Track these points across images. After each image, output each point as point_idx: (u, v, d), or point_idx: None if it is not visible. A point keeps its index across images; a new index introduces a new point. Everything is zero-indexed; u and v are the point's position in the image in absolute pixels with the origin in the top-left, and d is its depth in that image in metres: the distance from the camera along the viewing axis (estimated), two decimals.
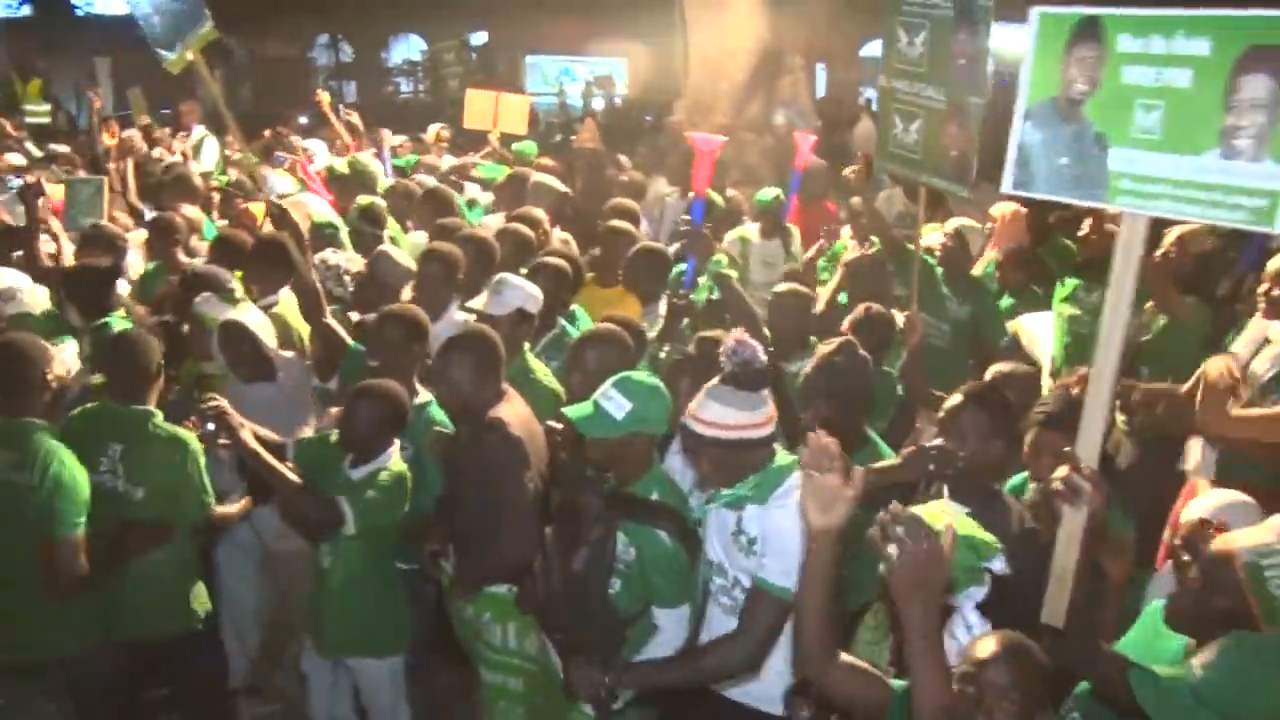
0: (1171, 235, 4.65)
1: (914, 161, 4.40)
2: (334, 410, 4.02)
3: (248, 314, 4.36)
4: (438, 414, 3.89)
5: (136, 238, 6.48)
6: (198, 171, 8.17)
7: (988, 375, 3.85)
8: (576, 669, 2.90)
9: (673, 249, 5.54)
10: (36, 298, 5.03)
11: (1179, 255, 4.63)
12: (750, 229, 7.00)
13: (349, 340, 4.34)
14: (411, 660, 3.98)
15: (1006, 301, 5.75)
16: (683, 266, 5.06)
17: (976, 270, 5.96)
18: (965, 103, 4.01)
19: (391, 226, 6.33)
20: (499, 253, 5.00)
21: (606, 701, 2.92)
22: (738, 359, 2.89)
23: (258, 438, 3.65)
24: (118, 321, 4.46)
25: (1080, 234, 5.45)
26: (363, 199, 6.41)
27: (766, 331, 4.60)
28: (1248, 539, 2.49)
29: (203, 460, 3.72)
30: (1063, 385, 3.37)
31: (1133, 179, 2.35)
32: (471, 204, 7.76)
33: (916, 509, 2.62)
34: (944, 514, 2.56)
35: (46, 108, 12.01)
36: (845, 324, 4.62)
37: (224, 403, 3.52)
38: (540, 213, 6.05)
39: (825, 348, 3.77)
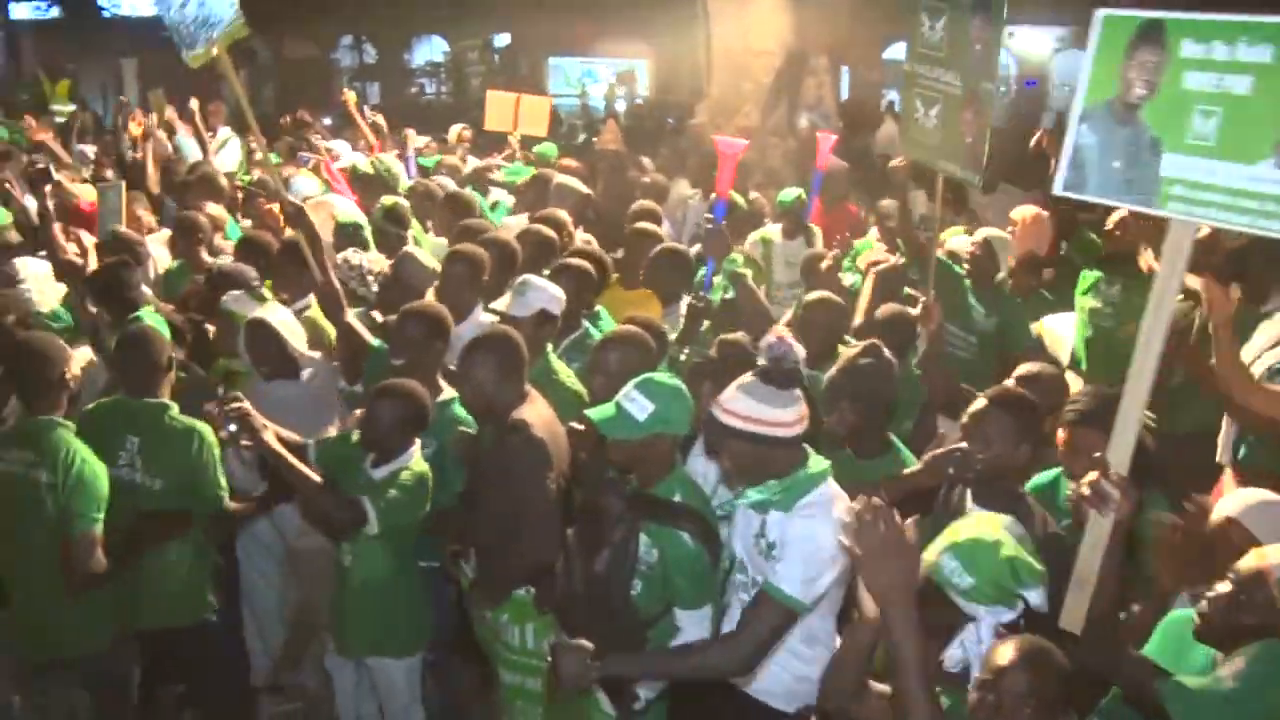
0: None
1: (932, 148, 4.40)
2: (358, 413, 4.03)
3: (273, 313, 4.39)
4: (461, 411, 3.89)
5: (159, 237, 6.54)
6: (221, 171, 8.25)
7: (1013, 377, 3.82)
8: (563, 653, 2.87)
9: (694, 250, 5.55)
10: (45, 296, 5.09)
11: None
12: (772, 229, 6.99)
13: (371, 340, 4.33)
14: (431, 658, 3.99)
15: None
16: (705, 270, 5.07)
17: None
18: (979, 88, 4.01)
19: (414, 227, 6.36)
20: (520, 255, 5.00)
21: (585, 684, 2.90)
22: (773, 354, 2.88)
23: (279, 438, 3.67)
24: (149, 316, 4.49)
25: (1106, 228, 5.41)
26: (386, 199, 6.43)
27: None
28: None
29: (218, 452, 3.77)
30: (1096, 386, 3.34)
31: (1185, 185, 2.32)
32: (495, 205, 7.78)
33: (971, 521, 2.62)
34: (999, 528, 2.55)
35: (72, 108, 12.11)
36: (858, 320, 4.61)
37: (246, 404, 3.53)
38: (564, 214, 6.05)
39: (850, 350, 3.76)
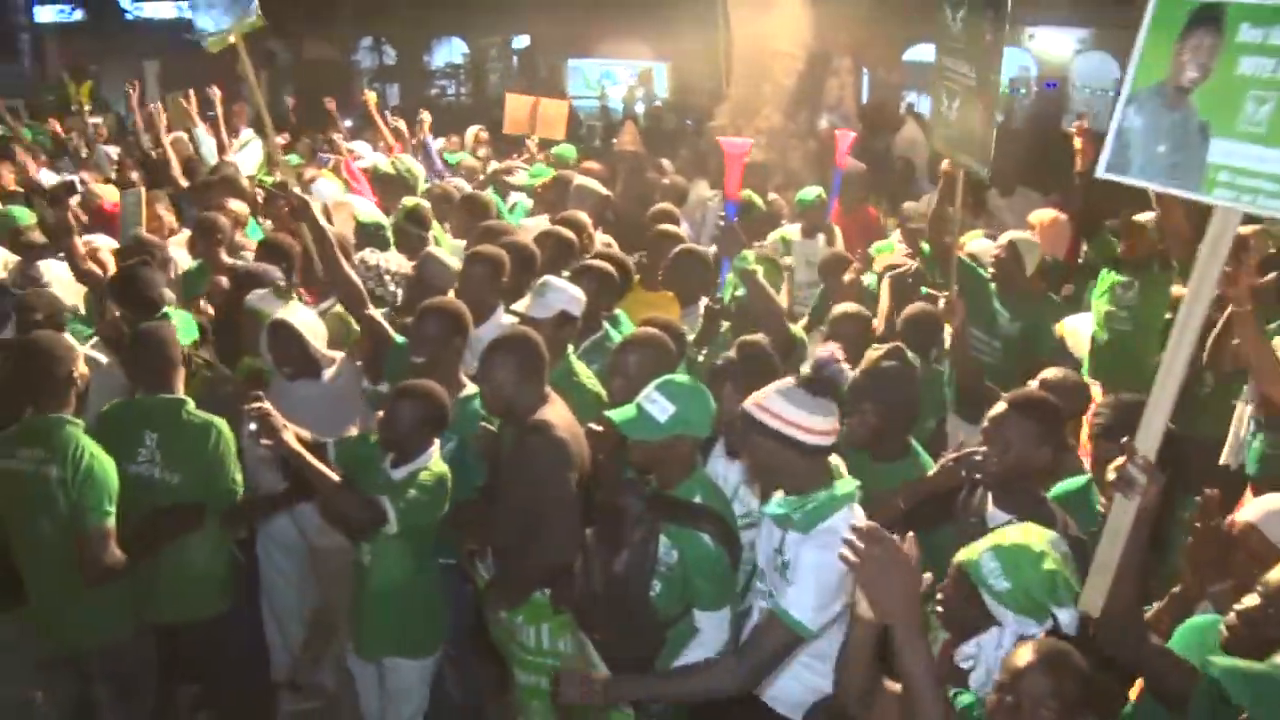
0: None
1: (951, 140, 4.40)
2: (381, 414, 4.05)
3: (296, 313, 4.41)
4: (482, 406, 3.89)
5: (179, 239, 6.59)
6: (243, 172, 8.30)
7: (1034, 382, 3.80)
8: (567, 684, 2.94)
9: (712, 251, 5.56)
10: (67, 298, 5.13)
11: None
12: (791, 229, 6.99)
13: (395, 335, 4.34)
14: (454, 653, 3.99)
15: None
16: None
17: None
18: (988, 80, 4.02)
19: (434, 228, 6.38)
20: (539, 256, 5.00)
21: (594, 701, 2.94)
22: (820, 365, 2.88)
23: (298, 438, 3.69)
24: (176, 315, 4.54)
25: (1123, 234, 5.42)
26: (408, 200, 6.47)
27: (792, 326, 4.65)
28: None
29: (234, 446, 3.82)
30: (1117, 396, 3.31)
31: (1231, 172, 2.28)
32: (513, 207, 7.80)
33: (1018, 529, 2.60)
34: (1045, 540, 2.54)
35: (88, 109, 12.24)
36: (879, 321, 4.59)
37: (268, 404, 3.55)
38: (584, 217, 6.05)
39: (874, 352, 3.75)
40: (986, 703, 2.28)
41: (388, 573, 3.70)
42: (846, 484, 2.96)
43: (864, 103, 15.57)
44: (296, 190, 4.87)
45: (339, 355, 4.53)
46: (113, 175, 8.96)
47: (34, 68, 25.36)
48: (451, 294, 4.71)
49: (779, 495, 3.00)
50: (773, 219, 7.56)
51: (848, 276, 5.83)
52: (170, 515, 3.74)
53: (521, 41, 25.71)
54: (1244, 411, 4.29)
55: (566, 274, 4.65)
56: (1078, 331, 5.51)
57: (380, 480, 3.63)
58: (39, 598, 3.73)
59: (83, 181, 8.09)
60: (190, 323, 4.51)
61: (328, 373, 4.44)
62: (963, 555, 2.56)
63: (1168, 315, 5.09)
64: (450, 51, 27.21)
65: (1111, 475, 2.38)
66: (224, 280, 5.37)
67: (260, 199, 7.41)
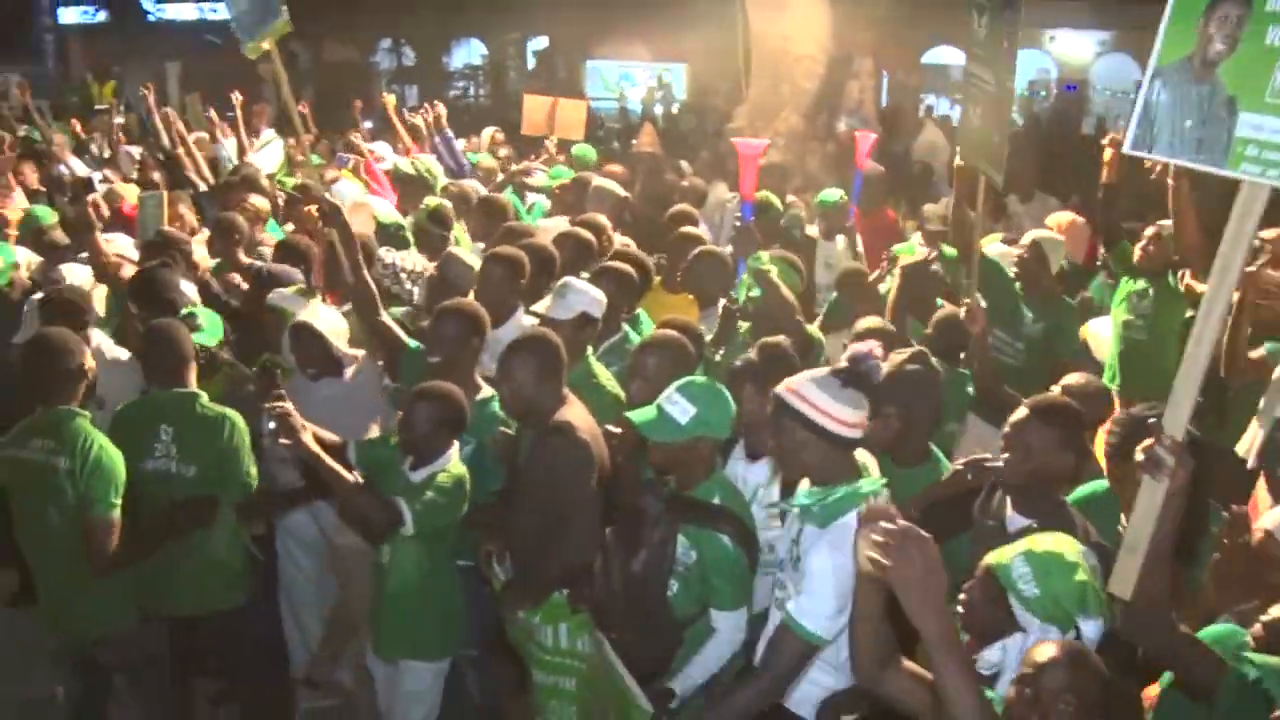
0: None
1: (974, 146, 4.40)
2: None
3: (317, 313, 4.44)
4: (500, 409, 3.90)
5: (199, 239, 6.62)
6: (263, 172, 8.35)
7: (1056, 388, 3.78)
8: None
9: (728, 251, 5.57)
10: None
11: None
12: (811, 231, 6.97)
13: (407, 340, 4.35)
14: (473, 652, 4.00)
15: None
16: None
17: None
18: (1005, 87, 4.00)
19: (454, 228, 6.40)
20: (558, 258, 5.00)
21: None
22: (857, 358, 2.88)
23: (317, 438, 3.71)
24: (202, 314, 4.57)
25: (1140, 242, 5.39)
26: (430, 200, 6.49)
27: (809, 327, 4.66)
28: None
29: (248, 439, 3.86)
30: (1127, 413, 3.28)
31: (1258, 145, 2.23)
32: (531, 208, 7.81)
33: (1050, 537, 2.59)
34: (1078, 551, 2.53)
35: (107, 107, 12.35)
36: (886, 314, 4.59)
37: (288, 404, 3.56)
38: (604, 219, 6.05)
39: (898, 356, 3.74)
40: (1005, 697, 2.29)
41: (404, 574, 3.71)
42: (872, 482, 2.95)
43: (882, 105, 15.55)
44: (315, 187, 4.90)
45: (360, 353, 4.55)
46: (134, 175, 9.02)
47: (58, 68, 25.58)
48: (472, 295, 4.72)
49: (805, 485, 3.00)
50: (791, 220, 7.53)
51: (872, 277, 5.81)
52: (184, 509, 3.79)
53: (540, 43, 25.74)
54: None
55: (586, 275, 4.65)
56: (1099, 335, 5.48)
57: (400, 482, 3.63)
58: (46, 588, 3.81)
59: (105, 179, 8.16)
60: (218, 322, 4.54)
61: (349, 371, 4.46)
62: (993, 558, 2.55)
63: (1188, 313, 5.05)
64: (469, 53, 27.29)
65: (1140, 456, 2.35)
66: (234, 277, 5.41)
67: (281, 201, 7.45)
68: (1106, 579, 2.49)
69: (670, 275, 5.51)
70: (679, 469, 3.31)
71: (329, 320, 4.42)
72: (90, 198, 5.62)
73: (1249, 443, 4.08)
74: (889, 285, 5.94)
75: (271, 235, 6.74)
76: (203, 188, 7.88)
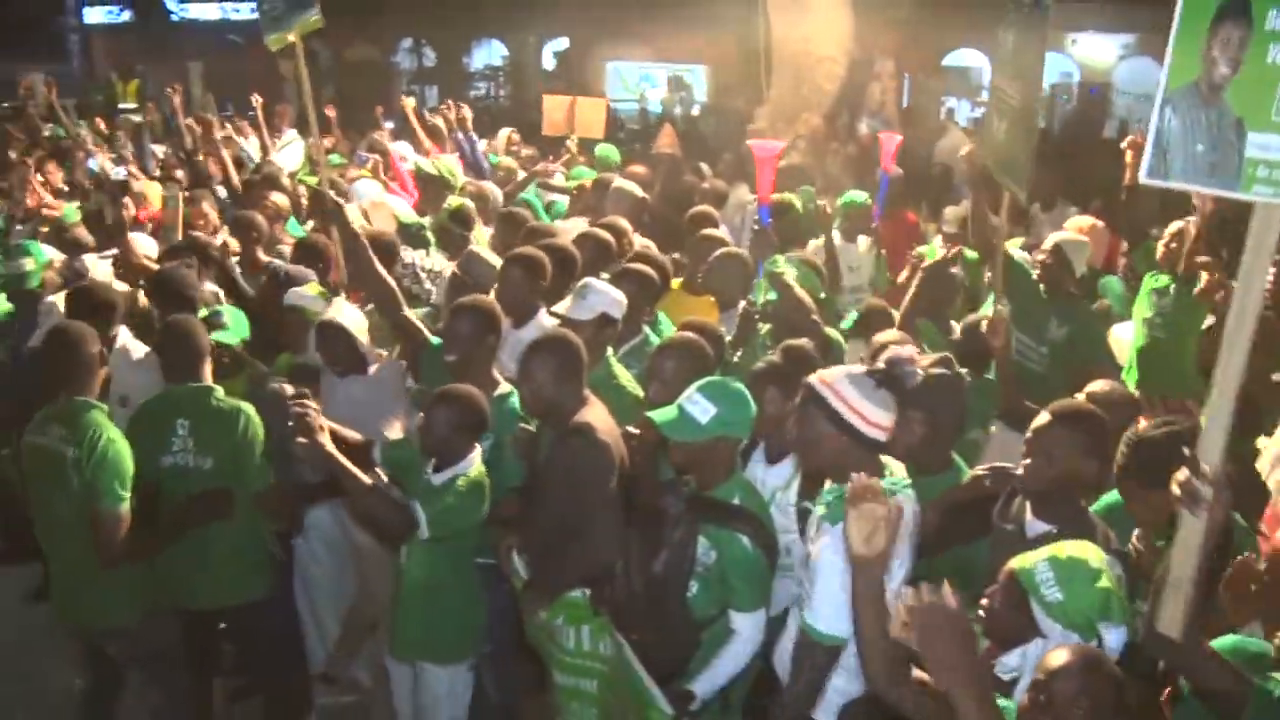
0: None
1: (999, 159, 4.37)
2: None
3: (342, 310, 4.47)
4: (518, 405, 3.90)
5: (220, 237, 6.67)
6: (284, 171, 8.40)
7: (1082, 394, 3.72)
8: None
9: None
10: None
11: None
12: (834, 233, 6.94)
13: (431, 337, 4.36)
14: (490, 650, 4.00)
15: None
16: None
17: None
18: (1029, 104, 3.96)
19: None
20: (580, 259, 5.00)
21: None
22: (894, 362, 2.88)
23: (340, 437, 3.72)
24: (227, 312, 4.61)
25: (1162, 240, 5.38)
26: (453, 200, 6.51)
27: (828, 330, 4.64)
28: None
29: (262, 432, 3.89)
30: (1135, 432, 3.23)
31: (1268, 166, 2.21)
32: (549, 206, 7.81)
33: (1075, 544, 2.58)
34: (1102, 559, 2.52)
35: (134, 107, 12.44)
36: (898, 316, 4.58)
37: (310, 405, 3.55)
38: (624, 222, 6.03)
39: (925, 361, 3.71)
40: (1019, 702, 2.28)
41: (421, 576, 3.70)
42: (892, 480, 2.94)
43: (903, 107, 15.49)
44: (332, 193, 4.91)
45: (383, 352, 4.58)
46: (157, 173, 9.09)
47: (83, 67, 25.80)
48: (493, 294, 4.73)
49: (828, 486, 3.00)
50: (808, 222, 7.50)
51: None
52: (197, 502, 3.83)
53: (560, 44, 25.78)
54: None
55: (606, 276, 4.65)
56: (1121, 340, 5.45)
57: (422, 485, 3.62)
58: (55, 578, 3.89)
59: (130, 175, 8.23)
60: (243, 320, 4.57)
61: (373, 369, 4.48)
62: (1016, 563, 2.54)
63: (1209, 319, 5.01)
64: (490, 53, 27.36)
65: (1175, 490, 2.29)
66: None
67: (304, 199, 7.49)
68: (1129, 586, 2.48)
69: (691, 277, 5.50)
70: (699, 469, 3.31)
71: (354, 318, 4.44)
72: (125, 199, 5.69)
73: (1270, 460, 4.04)
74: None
75: (291, 234, 6.78)
76: (223, 193, 7.91)
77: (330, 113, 10.56)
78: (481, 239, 6.38)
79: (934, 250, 6.55)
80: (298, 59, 4.50)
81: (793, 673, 2.95)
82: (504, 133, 10.89)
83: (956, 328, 4.97)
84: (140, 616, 3.83)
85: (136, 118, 11.82)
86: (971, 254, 5.69)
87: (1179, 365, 5.01)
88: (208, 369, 3.98)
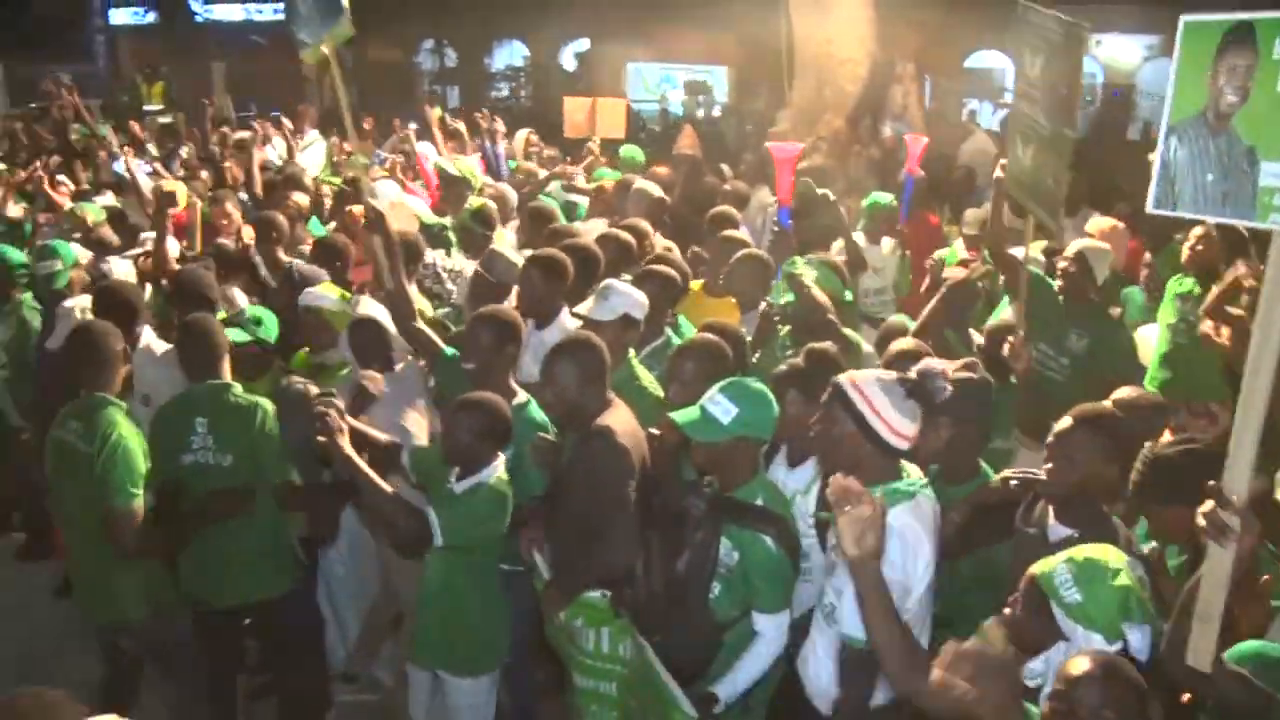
0: None
1: (1026, 186, 4.32)
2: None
3: (371, 307, 4.50)
4: (536, 414, 3.89)
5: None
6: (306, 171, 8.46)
7: (1109, 400, 3.65)
8: None
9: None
10: None
11: None
12: (858, 235, 6.94)
13: (444, 347, 4.34)
14: (508, 659, 4.01)
15: None
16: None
17: None
18: (1061, 134, 3.90)
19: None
20: (602, 260, 5.00)
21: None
22: (926, 375, 2.88)
23: (369, 439, 3.72)
24: (255, 313, 4.65)
25: (1188, 244, 5.34)
26: (474, 200, 6.53)
27: (848, 332, 4.64)
28: None
29: (278, 426, 3.91)
30: (1151, 450, 3.21)
31: None
32: (570, 206, 7.83)
33: (1094, 546, 2.56)
34: (1122, 559, 2.51)
35: (160, 108, 12.55)
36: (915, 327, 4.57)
37: (334, 405, 3.54)
38: (646, 225, 6.03)
39: (951, 365, 3.70)
40: (1041, 712, 2.26)
41: (440, 583, 3.68)
42: (912, 483, 2.93)
43: (926, 109, 15.43)
44: (367, 187, 4.94)
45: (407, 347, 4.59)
46: (181, 174, 9.16)
47: (108, 68, 26.00)
48: (515, 293, 4.74)
49: None
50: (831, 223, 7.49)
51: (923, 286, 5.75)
52: (214, 499, 3.85)
53: (581, 44, 25.81)
54: None
55: (628, 277, 4.65)
56: (1148, 341, 5.40)
57: (444, 492, 3.59)
58: (72, 569, 4.01)
59: (155, 173, 8.30)
60: (274, 322, 4.59)
61: (398, 366, 4.51)
62: (1036, 568, 2.53)
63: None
64: (511, 54, 27.41)
65: (1201, 522, 2.28)
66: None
67: (329, 199, 7.53)
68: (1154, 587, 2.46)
69: (713, 279, 5.49)
70: (721, 470, 3.31)
71: (384, 315, 4.47)
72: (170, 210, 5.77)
73: None
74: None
75: (313, 234, 6.83)
76: (243, 196, 7.97)
77: (367, 125, 10.64)
78: (502, 240, 6.40)
79: (954, 253, 6.53)
80: (333, 69, 4.50)
81: (843, 686, 2.94)
82: (522, 134, 10.91)
83: (976, 337, 4.94)
84: (149, 612, 3.87)
85: (164, 119, 11.91)
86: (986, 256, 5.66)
87: (1202, 371, 4.95)
88: (226, 366, 4.01)
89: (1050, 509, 3.14)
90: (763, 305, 4.94)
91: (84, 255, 6.02)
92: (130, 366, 4.02)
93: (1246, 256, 4.85)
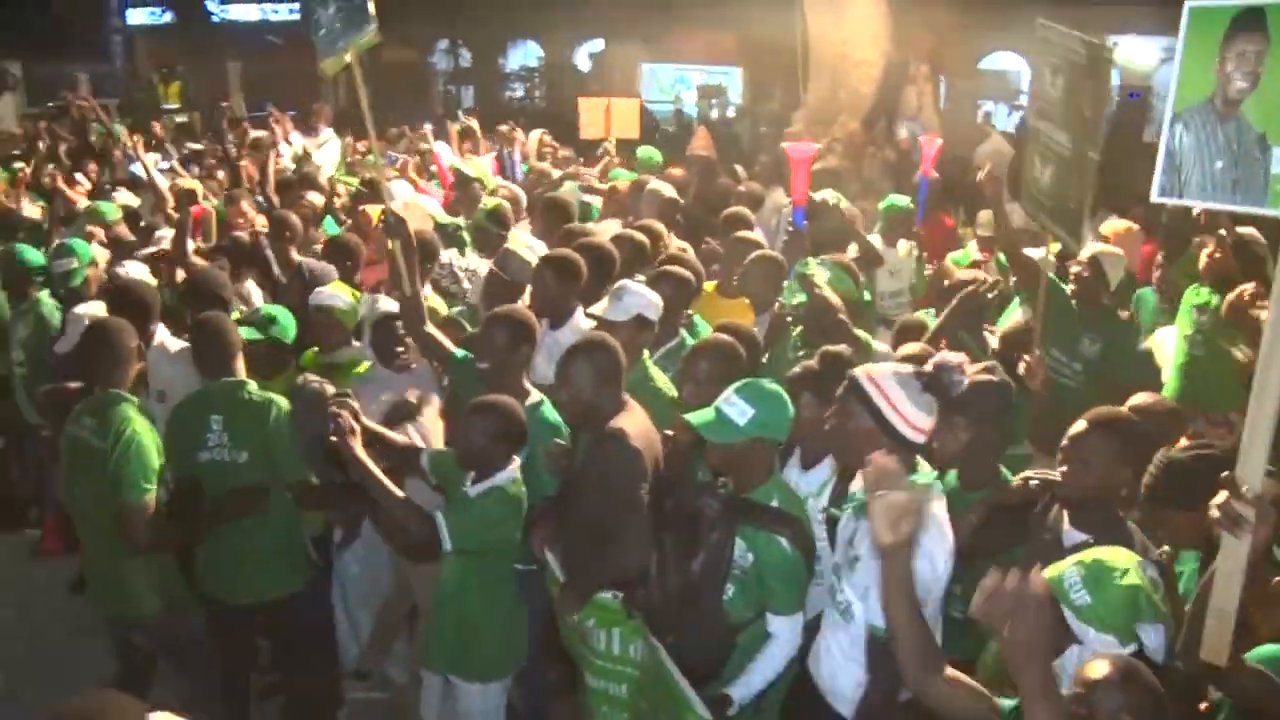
0: None
1: (1042, 205, 4.29)
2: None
3: (388, 304, 4.51)
4: (550, 414, 3.87)
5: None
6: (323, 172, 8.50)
7: (1125, 406, 3.61)
8: None
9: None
10: None
11: None
12: (874, 238, 6.92)
13: (454, 350, 4.33)
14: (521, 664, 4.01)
15: None
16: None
17: None
18: (1084, 156, 3.85)
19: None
20: (618, 259, 4.99)
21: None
22: (943, 368, 2.87)
23: (387, 441, 3.72)
24: (275, 312, 4.67)
25: (1205, 251, 5.27)
26: (489, 200, 6.54)
27: (860, 332, 4.62)
28: None
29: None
30: (1165, 454, 3.19)
31: None
32: (584, 207, 7.84)
33: (1104, 549, 2.55)
34: (1132, 560, 2.50)
35: (176, 107, 12.63)
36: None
37: (351, 407, 3.54)
38: (660, 226, 6.01)
39: (970, 367, 3.68)
40: None
41: (453, 587, 3.66)
42: (924, 476, 2.93)
43: (941, 110, 15.39)
44: (385, 188, 4.96)
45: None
46: (197, 172, 9.22)
47: (125, 68, 26.16)
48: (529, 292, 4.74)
49: (858, 485, 2.98)
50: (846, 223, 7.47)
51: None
52: (228, 496, 3.87)
53: (595, 45, 25.83)
54: None
55: (642, 278, 4.64)
56: (1163, 343, 5.35)
57: (459, 495, 3.57)
58: (86, 564, 4.02)
59: (172, 170, 8.36)
60: (291, 321, 4.60)
61: (414, 365, 4.52)
62: (1048, 572, 2.52)
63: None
64: (525, 54, 27.44)
65: (1215, 513, 2.25)
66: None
67: (344, 198, 7.56)
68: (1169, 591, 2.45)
69: (726, 280, 5.49)
70: (737, 471, 3.30)
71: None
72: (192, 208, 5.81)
73: None
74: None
75: (328, 233, 6.86)
76: (259, 199, 8.00)
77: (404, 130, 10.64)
78: (514, 239, 6.41)
79: (968, 255, 6.51)
80: (355, 73, 4.49)
81: (871, 679, 2.92)
82: (535, 134, 10.92)
83: (991, 339, 4.92)
84: (162, 608, 3.89)
85: (181, 118, 11.98)
86: (1005, 260, 5.63)
87: (1218, 383, 4.91)
88: (240, 364, 4.03)
89: (1065, 514, 3.13)
90: (775, 306, 4.92)
91: (101, 255, 6.05)
92: (144, 364, 4.05)
93: (1261, 279, 4.78)
